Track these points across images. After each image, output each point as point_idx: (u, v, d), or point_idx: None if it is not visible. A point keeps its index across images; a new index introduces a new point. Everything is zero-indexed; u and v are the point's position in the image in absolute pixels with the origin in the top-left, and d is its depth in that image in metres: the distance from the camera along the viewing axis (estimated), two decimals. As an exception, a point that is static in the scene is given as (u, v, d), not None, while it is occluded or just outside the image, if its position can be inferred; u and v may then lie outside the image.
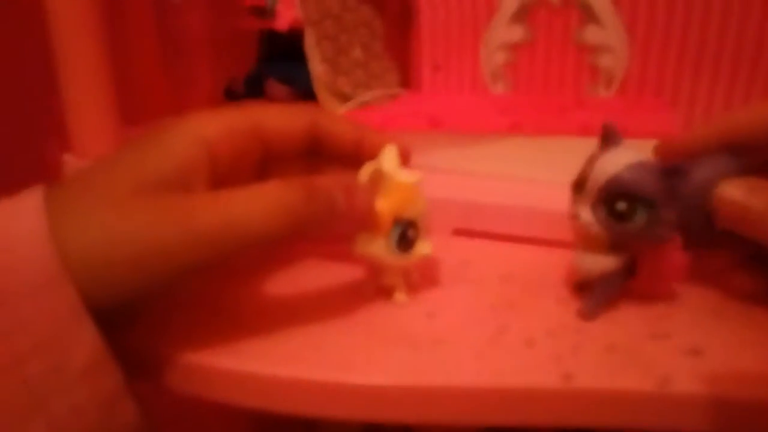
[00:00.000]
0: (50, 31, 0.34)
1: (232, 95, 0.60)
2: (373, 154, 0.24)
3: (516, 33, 0.46)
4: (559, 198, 0.31)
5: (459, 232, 0.32)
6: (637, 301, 0.24)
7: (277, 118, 0.24)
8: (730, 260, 0.23)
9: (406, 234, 0.23)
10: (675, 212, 0.21)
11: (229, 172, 0.22)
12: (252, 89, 0.59)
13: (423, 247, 0.24)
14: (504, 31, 0.47)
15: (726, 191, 0.21)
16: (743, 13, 0.40)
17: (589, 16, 0.44)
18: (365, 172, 0.24)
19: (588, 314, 0.23)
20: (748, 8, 0.39)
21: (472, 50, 0.49)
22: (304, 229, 0.21)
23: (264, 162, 0.24)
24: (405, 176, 0.23)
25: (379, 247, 0.23)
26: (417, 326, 0.23)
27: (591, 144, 0.32)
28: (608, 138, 0.23)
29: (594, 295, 0.24)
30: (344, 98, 0.44)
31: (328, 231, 0.23)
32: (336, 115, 0.28)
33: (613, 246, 0.23)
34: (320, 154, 0.26)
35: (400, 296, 0.25)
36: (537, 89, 0.47)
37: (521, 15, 0.46)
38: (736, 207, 0.21)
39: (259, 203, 0.20)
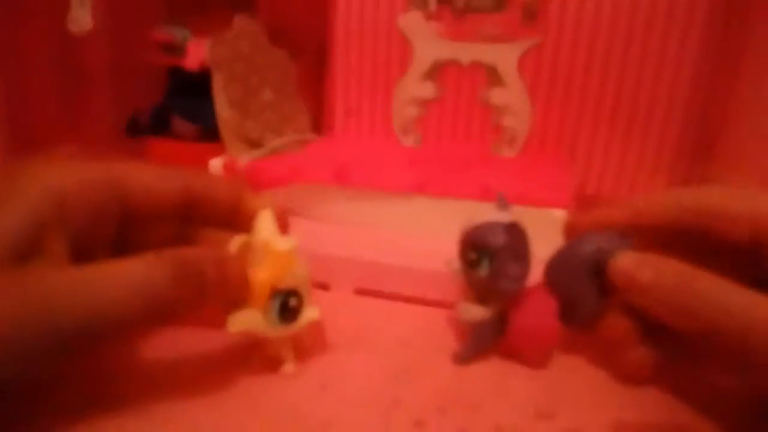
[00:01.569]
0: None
1: (136, 127, 0.57)
2: (249, 218, 0.23)
3: (427, 89, 0.48)
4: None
5: (361, 292, 0.32)
6: (528, 375, 0.24)
7: (144, 177, 0.22)
8: (623, 335, 0.24)
9: (287, 304, 0.22)
10: (520, 268, 0.24)
11: (86, 231, 0.20)
12: (157, 124, 0.56)
13: (309, 313, 0.23)
14: (415, 87, 0.48)
15: (618, 262, 0.23)
16: (638, 73, 0.43)
17: (494, 78, 0.45)
18: (236, 243, 0.23)
19: (461, 360, 0.25)
20: (642, 67, 0.42)
21: (384, 98, 0.49)
22: (172, 310, 0.19)
23: (128, 223, 0.22)
24: (281, 244, 0.22)
25: (258, 322, 0.22)
26: (308, 402, 0.22)
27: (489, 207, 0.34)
28: (499, 204, 0.25)
29: (468, 342, 0.26)
30: (251, 144, 0.43)
31: (198, 310, 0.20)
32: (212, 178, 0.27)
33: (481, 298, 0.25)
34: (193, 217, 0.24)
35: (288, 367, 0.23)
36: (445, 144, 0.48)
37: (432, 72, 0.47)
38: (626, 277, 0.22)
39: (122, 283, 0.18)
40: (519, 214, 0.27)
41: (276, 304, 0.22)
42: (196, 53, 0.49)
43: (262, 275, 0.22)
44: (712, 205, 0.23)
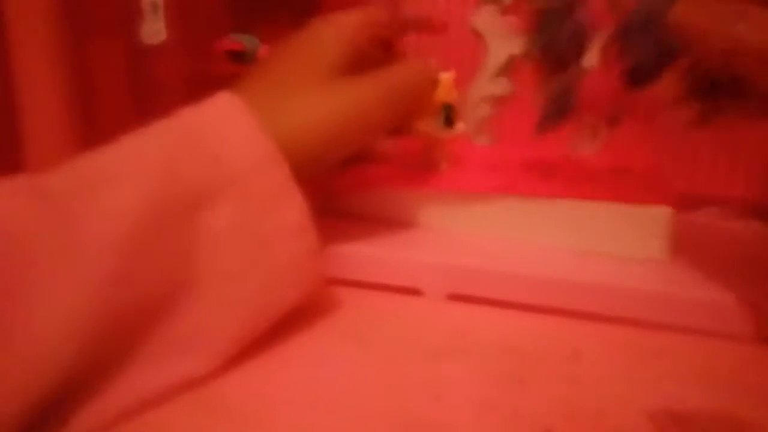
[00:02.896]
0: (12, 80, 0.32)
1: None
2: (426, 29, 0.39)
3: (501, 86, 0.46)
4: (557, 264, 0.30)
5: (454, 297, 0.30)
6: (650, 377, 0.23)
7: (381, 14, 0.32)
8: (674, 94, 0.26)
9: (449, 115, 0.34)
10: (568, 32, 0.29)
11: (363, 53, 0.29)
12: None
13: (460, 126, 0.35)
14: (489, 84, 0.46)
15: (679, 7, 0.24)
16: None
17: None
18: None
19: (539, 130, 0.32)
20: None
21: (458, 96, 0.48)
22: (427, 93, 0.32)
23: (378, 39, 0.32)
24: (445, 75, 0.33)
25: (432, 125, 0.34)
26: (426, 412, 0.21)
27: (580, 207, 0.32)
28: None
29: (543, 113, 0.32)
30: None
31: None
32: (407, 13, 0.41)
33: (549, 71, 0.32)
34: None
35: (444, 165, 0.36)
36: (520, 143, 0.46)
37: (506, 68, 0.45)
38: (685, 22, 0.23)
39: (411, 72, 0.30)
40: (618, 212, 0.30)
41: (444, 114, 0.34)
42: (267, 60, 0.49)
43: (435, 95, 0.33)
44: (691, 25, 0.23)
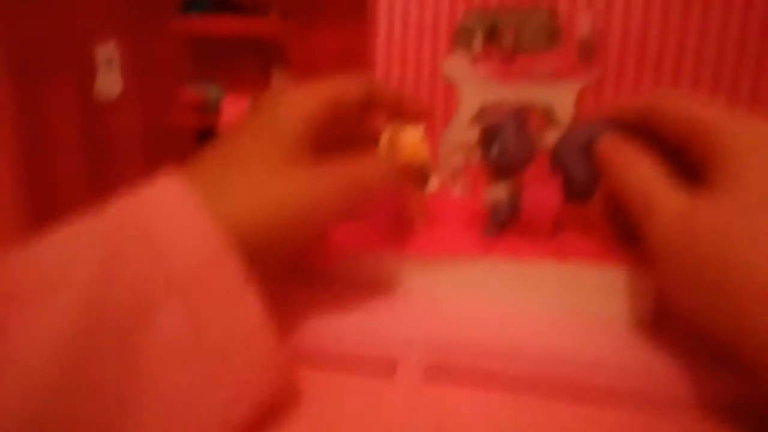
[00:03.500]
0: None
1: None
2: (409, 116, 0.32)
3: (475, 134, 0.45)
4: (542, 333, 0.28)
5: (431, 370, 0.28)
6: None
7: (348, 88, 0.28)
8: (604, 210, 0.30)
9: (419, 176, 0.33)
10: (524, 144, 0.30)
11: (322, 133, 0.27)
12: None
13: (434, 182, 0.35)
14: (462, 132, 0.45)
15: (602, 141, 0.28)
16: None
17: (549, 119, 0.43)
18: (386, 134, 0.33)
19: (489, 234, 0.32)
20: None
21: (430, 145, 0.46)
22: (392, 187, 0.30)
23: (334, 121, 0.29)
24: (412, 132, 0.33)
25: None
26: None
27: (562, 268, 0.30)
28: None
29: (489, 220, 0.32)
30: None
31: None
32: (381, 84, 0.35)
33: (498, 177, 0.31)
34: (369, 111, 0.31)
35: (419, 222, 0.35)
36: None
37: (480, 116, 0.44)
38: (603, 156, 0.28)
39: (373, 164, 0.27)
40: (603, 274, 0.30)
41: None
42: (231, 111, 0.47)
43: (403, 155, 0.32)
44: (660, 106, 0.26)
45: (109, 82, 0.40)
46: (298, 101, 0.26)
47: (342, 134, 0.29)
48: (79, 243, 0.20)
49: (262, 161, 0.24)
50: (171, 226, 0.21)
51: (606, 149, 0.28)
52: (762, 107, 0.39)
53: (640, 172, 0.25)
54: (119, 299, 0.19)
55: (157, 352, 0.19)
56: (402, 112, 0.32)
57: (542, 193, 0.31)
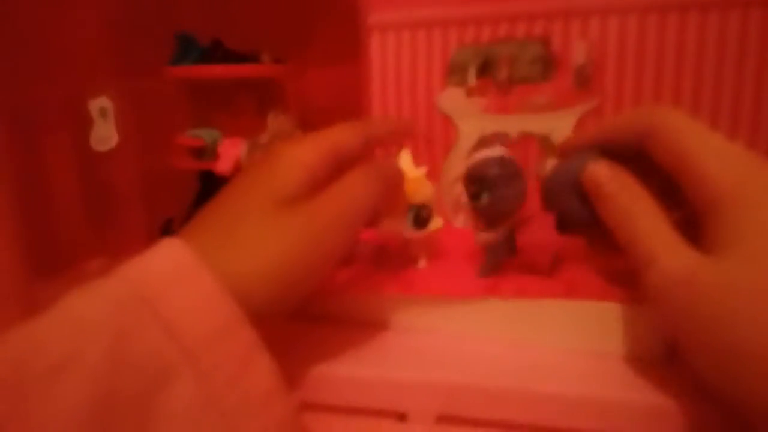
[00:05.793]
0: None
1: (169, 234, 0.54)
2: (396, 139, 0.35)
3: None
4: (554, 374, 0.27)
5: (443, 420, 0.27)
6: None
7: (345, 136, 0.29)
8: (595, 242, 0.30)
9: (420, 214, 0.32)
10: (514, 192, 0.29)
11: (320, 180, 0.27)
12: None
13: (436, 223, 0.33)
14: (462, 164, 0.44)
15: (587, 170, 0.27)
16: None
17: (548, 149, 0.42)
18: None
19: (482, 275, 0.31)
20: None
21: (431, 178, 0.46)
22: (384, 196, 0.29)
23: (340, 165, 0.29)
24: (414, 171, 0.32)
25: (398, 226, 0.32)
26: None
27: (575, 307, 0.29)
28: (486, 142, 0.34)
29: (484, 261, 0.32)
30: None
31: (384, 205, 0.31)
32: (380, 125, 0.35)
33: (489, 223, 0.30)
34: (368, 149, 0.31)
35: (422, 263, 0.34)
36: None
37: (479, 147, 0.44)
38: (590, 182, 0.27)
39: (365, 179, 0.27)
40: (608, 311, 0.28)
41: (411, 214, 0.32)
42: (228, 156, 0.47)
43: (403, 195, 0.32)
44: (654, 132, 0.25)
45: (105, 134, 0.40)
46: (297, 155, 0.26)
47: (342, 170, 0.29)
48: (88, 322, 0.20)
49: (261, 217, 0.24)
50: (179, 297, 0.21)
51: (598, 183, 0.27)
52: (762, 135, 0.38)
53: (639, 221, 0.24)
54: (131, 375, 0.19)
55: (172, 422, 0.19)
56: (391, 138, 0.34)
57: (538, 231, 0.30)
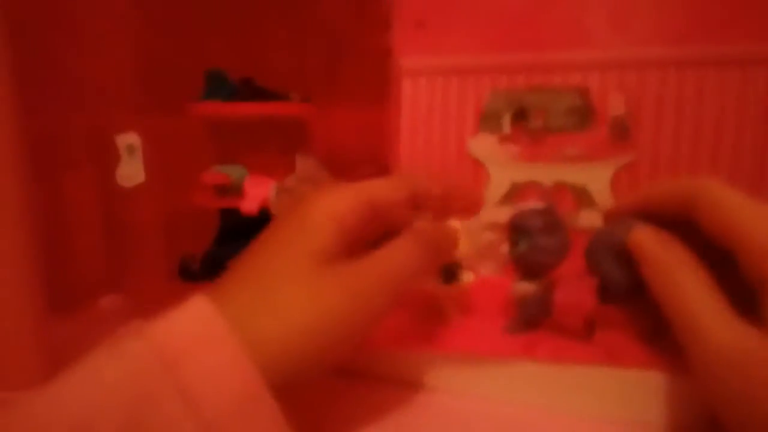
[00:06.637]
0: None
1: (187, 274, 0.54)
2: (456, 210, 0.31)
3: (505, 214, 0.43)
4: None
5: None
6: None
7: (385, 190, 0.27)
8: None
9: (450, 269, 0.32)
10: (553, 244, 0.29)
11: (356, 237, 0.25)
12: (209, 269, 0.53)
13: (467, 276, 0.33)
14: (492, 212, 0.44)
15: (633, 235, 0.26)
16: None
17: (583, 200, 0.41)
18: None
19: (510, 331, 0.30)
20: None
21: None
22: (433, 264, 0.29)
23: (376, 222, 0.27)
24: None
25: (433, 283, 0.32)
26: None
27: (614, 374, 0.28)
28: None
29: (516, 315, 0.31)
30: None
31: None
32: (426, 181, 0.32)
33: (526, 273, 0.30)
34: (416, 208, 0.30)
35: (453, 318, 0.33)
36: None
37: (510, 195, 0.43)
38: (636, 247, 0.26)
39: (407, 251, 0.26)
40: (649, 380, 0.27)
41: (444, 272, 0.32)
42: (255, 195, 0.46)
43: None
44: (698, 203, 0.24)
45: (132, 171, 0.40)
46: (329, 206, 0.25)
47: (387, 231, 0.28)
48: (111, 386, 0.19)
49: (291, 276, 0.23)
50: (202, 365, 0.20)
51: (645, 248, 0.26)
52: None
53: (688, 290, 0.23)
54: None
55: None
56: (450, 208, 0.31)
57: (576, 292, 0.29)
